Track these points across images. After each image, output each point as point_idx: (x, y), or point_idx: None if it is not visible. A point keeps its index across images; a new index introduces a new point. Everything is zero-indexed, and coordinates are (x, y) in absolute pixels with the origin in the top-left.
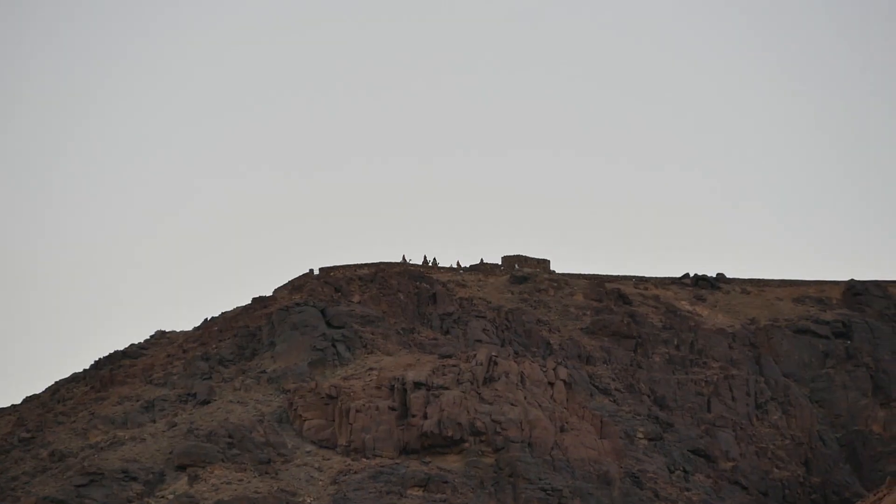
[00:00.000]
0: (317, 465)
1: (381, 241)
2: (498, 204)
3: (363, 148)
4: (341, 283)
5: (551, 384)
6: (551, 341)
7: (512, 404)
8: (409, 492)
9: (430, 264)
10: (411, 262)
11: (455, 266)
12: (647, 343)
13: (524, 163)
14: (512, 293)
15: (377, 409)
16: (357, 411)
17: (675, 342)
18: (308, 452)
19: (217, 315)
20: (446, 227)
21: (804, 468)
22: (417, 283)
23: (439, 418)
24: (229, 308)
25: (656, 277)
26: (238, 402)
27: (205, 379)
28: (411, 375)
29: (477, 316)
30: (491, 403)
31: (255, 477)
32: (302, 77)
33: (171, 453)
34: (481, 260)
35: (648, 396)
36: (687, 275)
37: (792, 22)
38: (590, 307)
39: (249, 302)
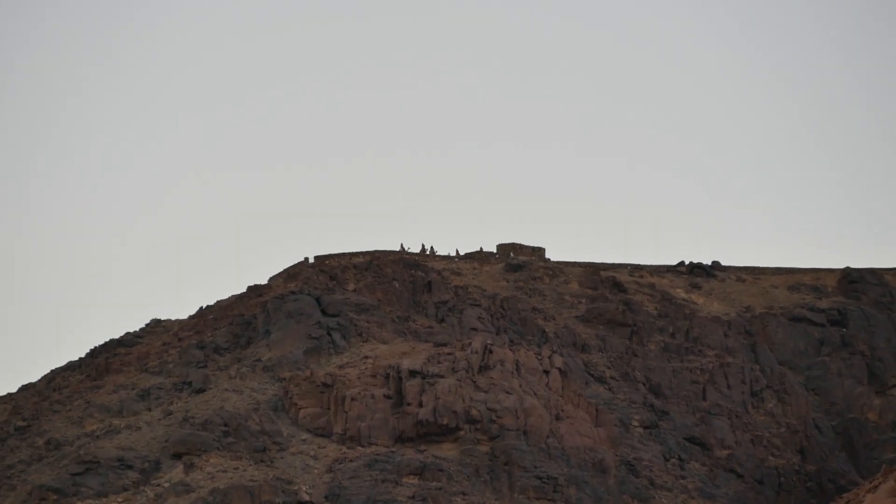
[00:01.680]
0: (312, 453)
1: (376, 230)
2: (493, 192)
3: (358, 139)
4: (336, 272)
5: (546, 372)
6: (546, 329)
7: (507, 392)
8: (404, 480)
9: (428, 253)
10: (409, 251)
11: (453, 255)
12: (642, 331)
13: (519, 152)
14: (507, 281)
15: (372, 397)
16: (352, 399)
17: (671, 330)
18: (303, 441)
19: (212, 303)
20: (441, 215)
21: (799, 456)
22: (412, 272)
23: (434, 406)
24: (224, 296)
25: (651, 265)
26: (233, 390)
27: (200, 367)
28: (406, 364)
29: (472, 304)
30: (486, 392)
31: (250, 465)
32: (299, 69)
33: (166, 441)
34: (481, 248)
35: (644, 384)
36: (682, 262)
37: (784, 15)
38: (585, 295)
39: (245, 290)
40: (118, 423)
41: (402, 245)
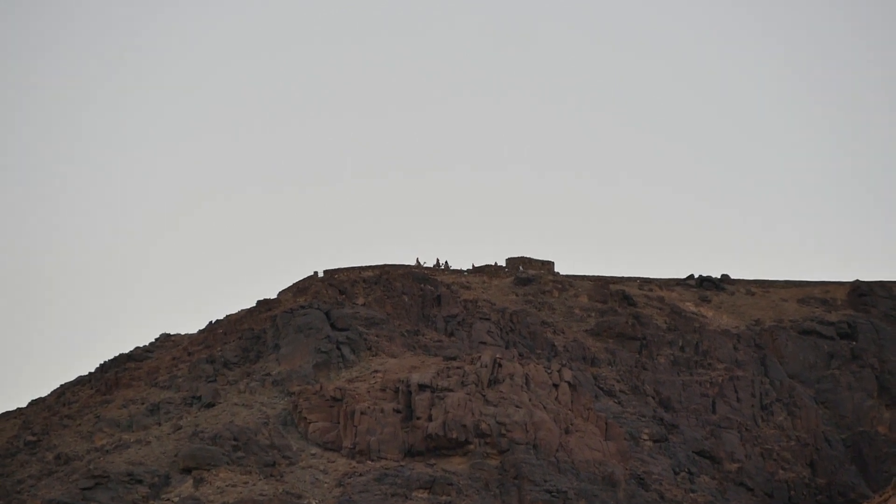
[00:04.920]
0: (322, 467)
1: (385, 244)
2: (502, 206)
3: (368, 154)
4: (346, 286)
5: (556, 386)
6: (556, 343)
7: (517, 406)
8: (414, 494)
9: (442, 267)
10: (425, 265)
11: (464, 269)
12: (651, 344)
13: (528, 164)
14: (516, 295)
15: (382, 411)
16: (362, 413)
17: (680, 343)
18: (313, 455)
19: (222, 318)
20: (450, 230)
21: (809, 469)
22: (422, 286)
23: (444, 420)
24: (234, 311)
25: (661, 279)
26: (243, 404)
27: (210, 382)
28: (416, 377)
29: (481, 318)
30: (496, 405)
31: (260, 479)
32: (310, 85)
33: (176, 456)
34: (495, 263)
35: (653, 398)
36: (691, 276)
37: (796, 18)
38: (594, 309)
39: (254, 304)
40: (128, 438)
41: (417, 260)
